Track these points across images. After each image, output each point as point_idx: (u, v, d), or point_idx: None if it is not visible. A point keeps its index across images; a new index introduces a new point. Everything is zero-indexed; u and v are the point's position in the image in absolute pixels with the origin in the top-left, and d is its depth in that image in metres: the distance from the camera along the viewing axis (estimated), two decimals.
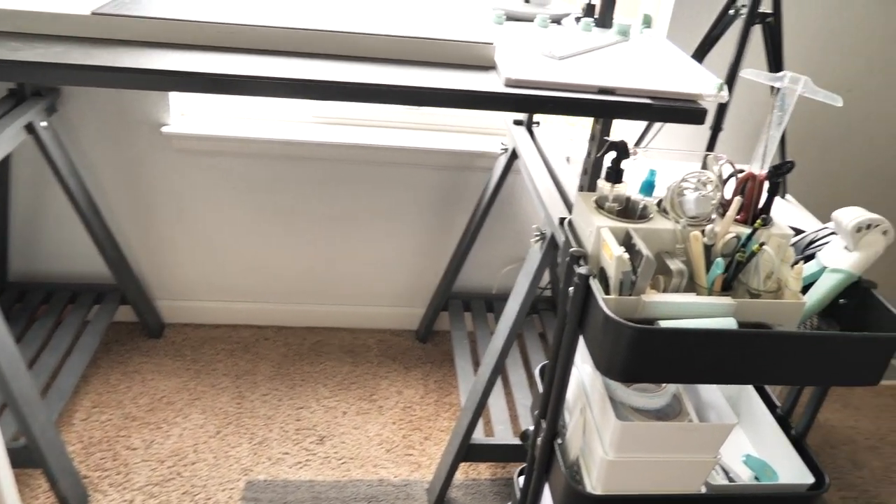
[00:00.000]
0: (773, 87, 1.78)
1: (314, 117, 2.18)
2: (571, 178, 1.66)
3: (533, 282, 1.57)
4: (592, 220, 1.15)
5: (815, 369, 1.07)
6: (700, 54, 1.67)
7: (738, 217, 1.18)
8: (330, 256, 2.30)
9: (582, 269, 1.10)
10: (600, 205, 1.18)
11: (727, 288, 1.13)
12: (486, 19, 1.57)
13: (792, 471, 1.28)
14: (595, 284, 1.08)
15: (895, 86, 2.18)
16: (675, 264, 1.12)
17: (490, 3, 1.64)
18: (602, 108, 1.20)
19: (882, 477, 2.05)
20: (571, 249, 1.15)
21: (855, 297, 1.18)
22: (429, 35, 1.28)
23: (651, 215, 1.17)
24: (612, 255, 1.07)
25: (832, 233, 1.28)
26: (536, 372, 1.40)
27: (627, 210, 1.19)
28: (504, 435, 1.83)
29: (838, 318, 1.22)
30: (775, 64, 1.63)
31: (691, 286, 1.14)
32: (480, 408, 1.68)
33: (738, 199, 1.14)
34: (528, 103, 1.18)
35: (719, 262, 1.10)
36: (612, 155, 1.16)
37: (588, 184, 1.41)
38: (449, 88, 1.18)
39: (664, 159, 1.76)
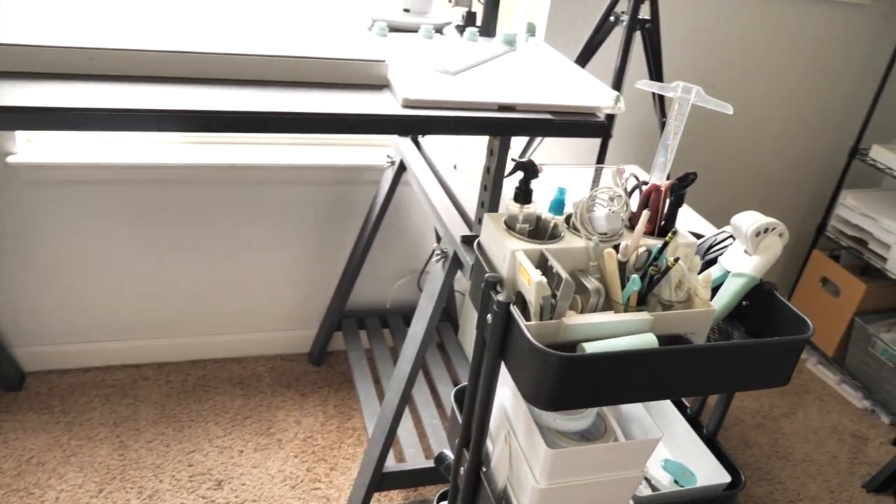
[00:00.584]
0: (654, 95, 1.83)
1: (182, 137, 2.01)
2: (464, 190, 1.62)
3: (437, 303, 1.51)
4: (505, 243, 1.11)
5: (734, 376, 1.09)
6: (582, 61, 1.68)
7: (645, 229, 1.18)
8: (210, 283, 2.14)
9: (501, 297, 1.05)
10: (510, 226, 1.14)
11: (641, 302, 1.13)
12: (368, 32, 1.50)
13: (708, 471, 1.31)
14: (516, 312, 1.04)
15: (756, 80, 2.30)
16: (591, 283, 1.11)
17: (368, 14, 1.56)
18: (504, 126, 1.16)
19: (770, 453, 2.17)
20: (487, 275, 1.11)
21: (757, 298, 1.22)
22: (315, 54, 1.19)
23: (562, 234, 1.15)
24: (531, 281, 1.04)
25: (729, 236, 1.31)
26: (452, 398, 1.35)
27: (538, 230, 1.16)
28: (416, 459, 1.77)
29: (742, 319, 1.25)
30: (656, 69, 1.67)
31: (607, 303, 1.13)
32: (390, 437, 1.62)
33: (646, 212, 1.13)
34: (429, 125, 1.13)
35: (636, 280, 1.09)
36: (519, 175, 1.12)
37: (489, 201, 1.37)
38: (344, 113, 1.10)
39: (555, 170, 1.76)
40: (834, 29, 2.31)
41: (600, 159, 1.47)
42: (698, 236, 1.35)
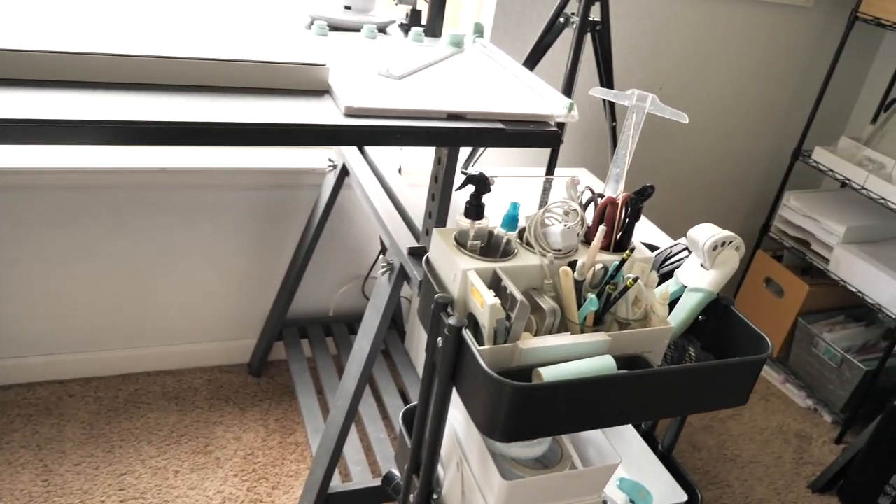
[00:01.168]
0: (605, 101, 1.79)
1: None
2: (410, 196, 1.55)
3: (384, 318, 1.44)
4: (456, 261, 1.04)
5: (694, 399, 1.05)
6: (531, 63, 1.62)
7: (601, 244, 1.13)
8: (141, 292, 2.02)
9: (452, 320, 0.99)
10: (461, 242, 1.08)
11: (598, 321, 1.08)
12: (307, 31, 1.41)
13: (664, 489, 1.27)
14: (468, 336, 0.98)
15: (703, 82, 2.29)
16: (546, 303, 1.05)
17: (306, 11, 1.47)
18: (454, 136, 1.09)
19: (718, 455, 2.17)
20: (437, 296, 1.04)
21: (714, 313, 1.18)
22: (248, 57, 1.10)
23: (515, 251, 1.09)
24: (485, 304, 0.98)
25: (685, 249, 1.28)
26: (400, 419, 1.28)
27: (490, 246, 1.10)
28: (363, 477, 1.70)
29: (698, 334, 1.22)
30: (606, 73, 1.63)
31: (563, 322, 1.08)
32: (336, 457, 1.54)
33: (602, 228, 1.08)
34: (374, 135, 1.05)
35: (593, 300, 1.04)
36: (470, 188, 1.06)
37: (437, 211, 1.30)
38: (280, 124, 1.01)
39: (505, 182, 1.71)
40: (778, 31, 2.32)
41: (550, 163, 1.42)
42: (653, 248, 1.31)
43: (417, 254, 1.36)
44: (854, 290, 2.20)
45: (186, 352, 2.15)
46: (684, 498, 1.23)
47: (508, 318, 1.00)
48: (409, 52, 1.38)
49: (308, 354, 2.20)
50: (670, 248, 1.29)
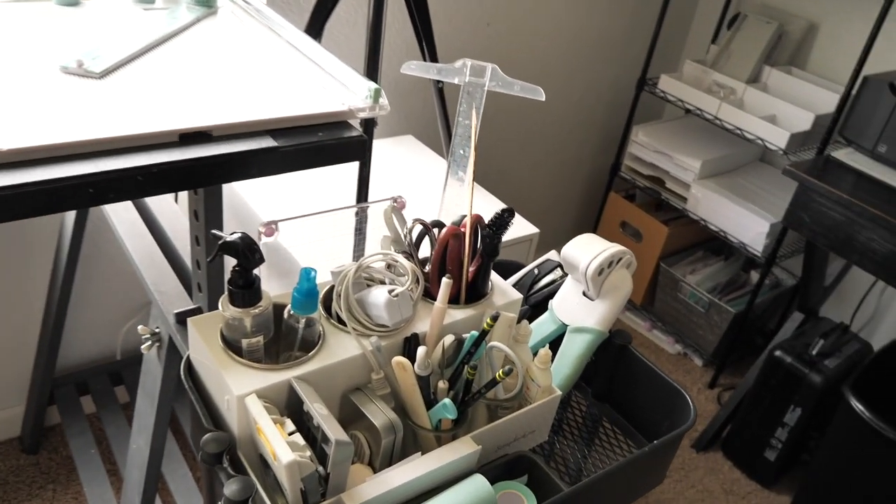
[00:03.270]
0: (436, 82, 1.39)
1: None
2: (183, 228, 1.12)
3: (161, 408, 1.02)
4: (226, 380, 0.65)
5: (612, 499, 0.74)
6: (315, 29, 1.19)
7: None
8: None
9: (232, 489, 0.60)
10: (232, 341, 0.68)
11: (459, 409, 0.73)
12: None
13: None
14: None
15: (535, 14, 1.95)
16: (379, 416, 0.69)
17: None
18: (188, 174, 0.67)
19: None
20: (205, 440, 0.65)
21: (607, 353, 0.88)
22: None
23: (320, 339, 0.70)
24: (278, 458, 0.60)
25: (556, 266, 0.95)
26: None
27: (282, 338, 0.71)
28: None
29: (587, 379, 0.91)
30: (421, 20, 1.23)
31: (408, 428, 0.72)
32: None
33: (446, 282, 0.72)
34: (15, 202, 0.61)
35: (448, 407, 0.69)
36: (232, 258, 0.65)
37: (206, 284, 0.88)
38: None
39: (290, 226, 1.29)
40: None
41: (362, 175, 1.00)
42: (517, 267, 0.97)
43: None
44: (716, 229, 2.02)
45: None
46: None
47: (322, 461, 0.63)
48: (127, 22, 0.92)
49: (91, 410, 1.72)
50: (537, 266, 0.96)
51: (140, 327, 0.99)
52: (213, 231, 0.64)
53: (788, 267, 2.23)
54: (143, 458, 1.05)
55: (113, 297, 1.67)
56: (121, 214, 1.15)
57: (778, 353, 1.70)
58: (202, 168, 0.67)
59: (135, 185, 0.63)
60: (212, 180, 0.68)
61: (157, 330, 1.00)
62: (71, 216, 1.39)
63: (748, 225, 1.94)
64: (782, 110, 1.91)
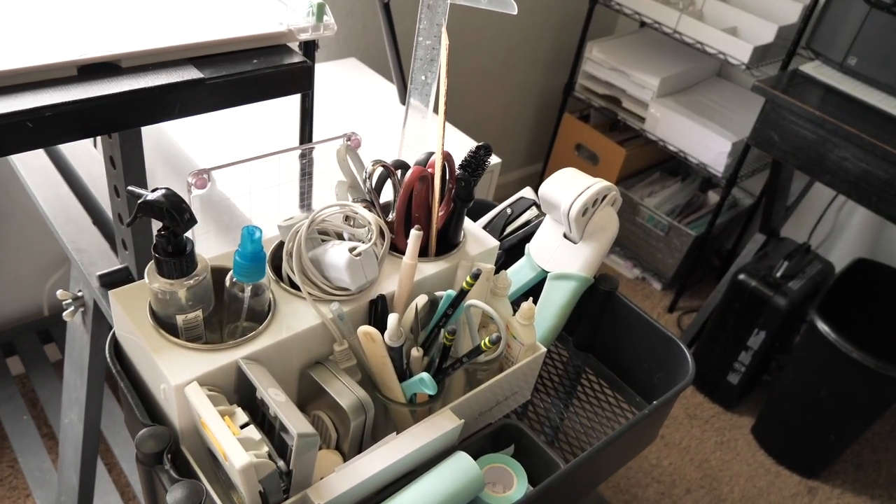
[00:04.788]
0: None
1: None
2: (102, 176, 0.97)
3: (92, 378, 0.91)
4: (160, 367, 0.54)
5: (609, 466, 0.67)
6: None
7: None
8: None
9: (177, 495, 0.51)
10: (165, 319, 0.57)
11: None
12: None
13: None
14: None
15: None
16: (346, 394, 0.59)
17: None
18: (94, 117, 0.55)
19: None
20: (139, 437, 0.54)
21: (592, 300, 0.79)
22: None
23: (271, 308, 0.60)
24: (229, 460, 0.50)
25: (532, 204, 0.85)
26: None
27: (225, 308, 0.60)
28: None
29: (568, 328, 0.83)
30: None
31: (380, 404, 0.63)
32: None
33: (416, 233, 0.62)
34: None
35: (425, 381, 0.59)
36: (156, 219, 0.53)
37: (131, 239, 0.76)
38: None
39: (226, 174, 1.14)
40: None
41: (304, 108, 0.86)
42: (484, 207, 0.87)
43: (120, 281, 0.82)
44: (675, 149, 1.94)
45: None
46: None
47: (284, 455, 0.54)
48: None
49: (19, 371, 1.59)
50: (510, 205, 0.86)
51: (59, 292, 0.87)
52: (130, 188, 0.52)
53: (746, 186, 2.19)
54: (78, 435, 0.95)
55: (34, 250, 1.52)
56: (28, 161, 1.00)
57: (742, 276, 1.67)
58: (109, 109, 0.54)
59: (23, 135, 0.50)
60: (122, 124, 0.56)
61: (79, 294, 0.88)
62: None
63: (709, 145, 1.87)
64: (743, 22, 1.82)
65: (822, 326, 1.46)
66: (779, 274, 1.65)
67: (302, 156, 0.66)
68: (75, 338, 0.91)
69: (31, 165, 1.00)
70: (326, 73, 1.55)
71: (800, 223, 2.05)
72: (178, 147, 1.15)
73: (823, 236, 2.03)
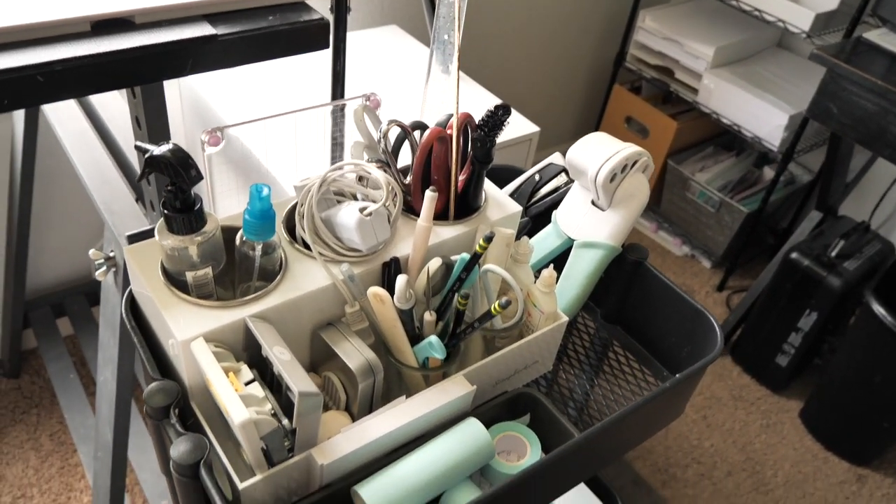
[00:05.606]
0: None
1: None
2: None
3: (124, 334, 0.93)
4: (168, 323, 0.54)
5: (628, 440, 0.65)
6: None
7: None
8: None
9: (180, 448, 0.51)
10: (176, 274, 0.57)
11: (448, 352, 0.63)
12: None
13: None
14: (210, 481, 0.50)
15: None
16: (354, 356, 0.58)
17: None
18: (100, 73, 0.54)
19: None
20: (148, 391, 0.55)
21: (621, 269, 0.77)
22: None
23: (281, 267, 0.59)
24: (230, 417, 0.50)
25: (561, 170, 0.83)
26: None
27: (237, 266, 0.60)
28: None
29: (596, 299, 0.81)
30: None
31: (391, 366, 0.62)
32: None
33: (431, 194, 0.60)
34: None
35: (435, 345, 0.58)
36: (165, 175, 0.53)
37: (157, 195, 0.76)
38: None
39: (238, 133, 1.14)
40: None
41: (336, 66, 0.85)
42: (513, 173, 0.85)
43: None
44: (729, 122, 1.87)
45: None
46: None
47: (288, 413, 0.53)
48: None
49: (68, 332, 1.64)
50: (538, 171, 0.83)
51: (91, 251, 0.88)
52: (138, 143, 0.52)
53: (804, 162, 2.10)
54: (111, 392, 0.97)
55: (83, 214, 1.56)
56: (66, 125, 1.02)
57: (794, 255, 1.60)
58: (121, 64, 0.54)
59: (34, 89, 0.51)
60: (134, 79, 0.55)
61: (111, 254, 0.89)
62: (20, 126, 1.25)
63: (765, 118, 1.79)
64: None
65: (878, 309, 1.40)
66: (834, 253, 1.58)
67: (331, 114, 0.65)
68: (108, 297, 0.93)
69: (70, 129, 1.02)
70: (366, 39, 1.54)
71: (861, 201, 1.95)
72: (207, 105, 1.15)
73: (886, 216, 1.93)
